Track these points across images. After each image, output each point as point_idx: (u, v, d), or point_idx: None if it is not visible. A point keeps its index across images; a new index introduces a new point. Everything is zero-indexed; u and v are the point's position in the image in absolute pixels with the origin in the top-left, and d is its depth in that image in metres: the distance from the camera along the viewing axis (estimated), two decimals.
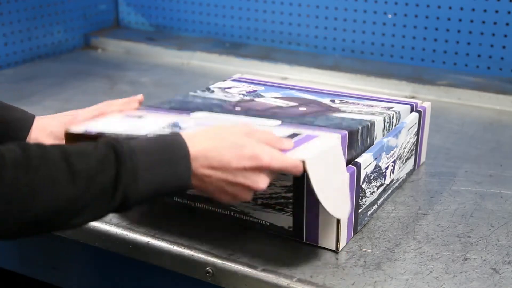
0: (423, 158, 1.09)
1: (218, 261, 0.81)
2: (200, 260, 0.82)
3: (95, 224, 0.90)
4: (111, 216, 0.91)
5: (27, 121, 0.90)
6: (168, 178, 0.67)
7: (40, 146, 0.62)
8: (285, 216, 0.84)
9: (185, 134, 0.70)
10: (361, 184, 0.84)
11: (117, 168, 0.63)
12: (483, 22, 1.48)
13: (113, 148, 0.64)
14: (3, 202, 0.57)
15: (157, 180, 0.66)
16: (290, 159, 0.71)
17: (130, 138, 0.68)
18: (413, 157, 1.03)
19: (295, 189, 0.81)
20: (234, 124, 0.77)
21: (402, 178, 1.00)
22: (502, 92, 1.37)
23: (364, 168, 0.84)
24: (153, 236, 0.86)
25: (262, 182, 0.71)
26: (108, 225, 0.89)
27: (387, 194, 0.95)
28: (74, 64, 1.77)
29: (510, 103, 1.35)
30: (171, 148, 0.68)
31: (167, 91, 1.49)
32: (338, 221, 0.80)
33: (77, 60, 1.80)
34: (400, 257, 0.81)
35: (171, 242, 0.85)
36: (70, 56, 1.84)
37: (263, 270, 0.79)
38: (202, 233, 0.87)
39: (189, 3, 1.87)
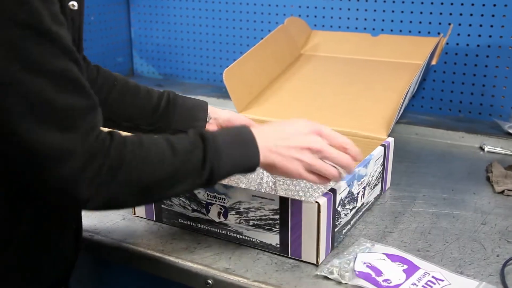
0: (388, 184, 1.09)
1: (217, 273, 0.80)
2: (202, 272, 0.81)
3: (111, 241, 0.89)
4: (125, 236, 0.90)
5: (203, 107, 0.96)
6: (242, 157, 0.72)
7: (148, 135, 0.69)
8: (273, 235, 0.83)
9: (253, 128, 0.75)
10: (336, 207, 0.83)
11: (204, 149, 0.69)
12: (435, 71, 1.49)
13: (200, 135, 0.71)
14: (126, 172, 0.64)
15: (234, 158, 0.71)
16: (345, 157, 0.77)
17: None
18: (380, 184, 1.03)
19: (282, 212, 0.81)
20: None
21: (371, 202, 1.00)
22: (452, 129, 1.38)
23: (339, 194, 0.83)
24: (161, 252, 0.85)
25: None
26: (126, 244, 0.88)
27: (359, 215, 0.94)
28: None
29: (458, 138, 1.36)
30: (242, 134, 0.74)
31: None
32: (318, 239, 0.79)
33: None
34: None
35: (176, 257, 0.84)
36: None
37: (255, 281, 0.78)
38: (203, 250, 0.86)
39: (192, 56, 1.88)
